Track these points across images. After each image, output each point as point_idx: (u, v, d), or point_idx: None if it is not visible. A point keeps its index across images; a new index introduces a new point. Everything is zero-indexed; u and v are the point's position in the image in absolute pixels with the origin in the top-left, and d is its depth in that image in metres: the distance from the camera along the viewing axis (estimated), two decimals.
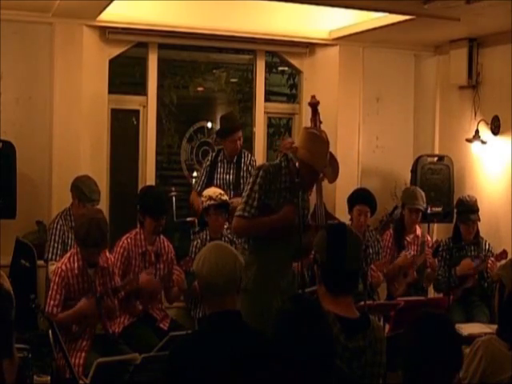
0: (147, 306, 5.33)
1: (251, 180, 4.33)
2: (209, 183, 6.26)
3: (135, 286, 5.11)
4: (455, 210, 6.36)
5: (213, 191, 5.74)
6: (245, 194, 4.33)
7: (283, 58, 7.24)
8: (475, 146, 6.70)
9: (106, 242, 4.81)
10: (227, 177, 6.32)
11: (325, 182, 5.27)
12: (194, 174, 6.97)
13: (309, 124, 5.35)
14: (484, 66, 6.70)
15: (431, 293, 6.52)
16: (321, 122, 4.69)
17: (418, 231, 6.37)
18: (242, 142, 6.35)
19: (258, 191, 4.25)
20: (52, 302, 4.65)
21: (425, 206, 6.24)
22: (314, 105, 4.73)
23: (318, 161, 4.26)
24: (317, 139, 4.30)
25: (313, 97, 4.83)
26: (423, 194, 6.31)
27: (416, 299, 5.55)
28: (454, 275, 5.99)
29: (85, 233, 4.63)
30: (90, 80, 6.32)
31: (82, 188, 5.58)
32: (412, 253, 6.24)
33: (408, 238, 6.32)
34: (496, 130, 6.56)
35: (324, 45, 7.06)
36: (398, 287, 6.20)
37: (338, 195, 6.76)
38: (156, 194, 5.52)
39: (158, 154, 6.85)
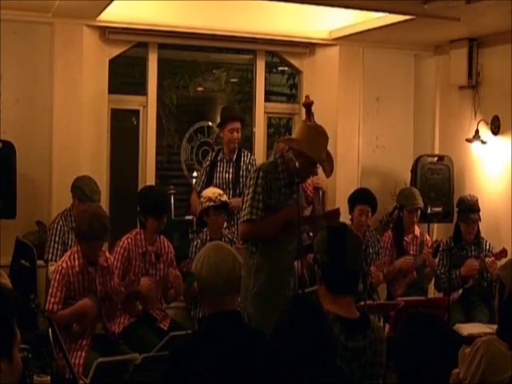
0: (147, 307, 5.33)
1: (252, 183, 4.30)
2: (208, 183, 6.27)
3: (135, 288, 5.13)
4: (456, 209, 6.37)
5: (212, 192, 5.73)
6: (248, 198, 4.29)
7: (283, 58, 7.23)
8: (475, 145, 6.70)
9: (107, 236, 4.82)
10: (227, 176, 6.32)
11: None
12: (194, 173, 6.97)
13: None
14: (484, 66, 6.70)
15: (431, 293, 6.53)
16: (315, 123, 4.68)
17: (417, 231, 6.38)
18: (239, 136, 6.32)
19: (262, 192, 4.25)
20: (52, 300, 4.66)
21: (422, 204, 6.26)
22: (308, 105, 4.70)
23: (316, 151, 4.28)
24: (314, 131, 4.35)
25: (307, 97, 4.83)
26: (418, 192, 6.33)
27: (416, 299, 5.56)
28: (457, 276, 6.00)
29: (87, 226, 4.64)
30: (90, 80, 6.31)
31: (83, 188, 5.57)
32: (412, 253, 6.26)
33: (407, 239, 6.33)
34: (496, 130, 6.56)
35: (324, 45, 7.05)
36: (398, 287, 6.20)
37: (338, 195, 6.76)
38: (156, 194, 5.52)
39: (158, 154, 6.85)
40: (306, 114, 4.71)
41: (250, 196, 4.28)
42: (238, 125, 6.30)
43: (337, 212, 4.83)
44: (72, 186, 5.65)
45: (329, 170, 4.48)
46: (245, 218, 4.28)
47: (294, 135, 4.39)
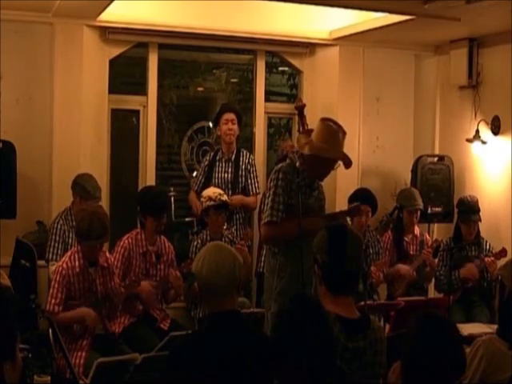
0: (147, 307, 5.33)
1: (272, 184, 4.34)
2: (207, 182, 6.27)
3: (135, 288, 5.14)
4: (456, 210, 6.37)
5: (212, 191, 5.74)
6: (269, 200, 4.32)
7: (283, 58, 7.23)
8: (475, 146, 6.70)
9: (107, 235, 4.81)
10: (225, 175, 6.32)
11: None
12: (194, 174, 6.96)
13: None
14: (484, 66, 6.70)
15: (431, 293, 6.53)
16: (307, 125, 4.66)
17: (417, 231, 6.38)
18: (235, 128, 6.29)
19: (282, 194, 4.28)
20: (53, 301, 4.66)
21: (422, 204, 6.26)
22: (300, 108, 4.69)
23: (332, 149, 4.31)
24: (329, 128, 4.35)
25: (299, 99, 4.82)
26: (418, 192, 6.33)
27: (416, 299, 5.57)
28: (457, 277, 6.00)
29: (88, 225, 4.63)
30: (90, 80, 6.31)
31: (85, 185, 5.55)
32: (412, 253, 6.26)
33: (407, 238, 6.33)
34: (496, 130, 6.56)
35: (324, 45, 7.05)
36: (398, 287, 6.20)
37: (338, 195, 6.76)
38: (155, 193, 5.54)
39: (158, 154, 6.85)
40: (299, 117, 4.69)
41: (270, 198, 4.32)
42: (232, 115, 6.28)
43: (358, 208, 4.85)
44: (73, 183, 5.63)
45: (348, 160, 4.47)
46: (266, 220, 4.32)
47: (313, 136, 4.40)
